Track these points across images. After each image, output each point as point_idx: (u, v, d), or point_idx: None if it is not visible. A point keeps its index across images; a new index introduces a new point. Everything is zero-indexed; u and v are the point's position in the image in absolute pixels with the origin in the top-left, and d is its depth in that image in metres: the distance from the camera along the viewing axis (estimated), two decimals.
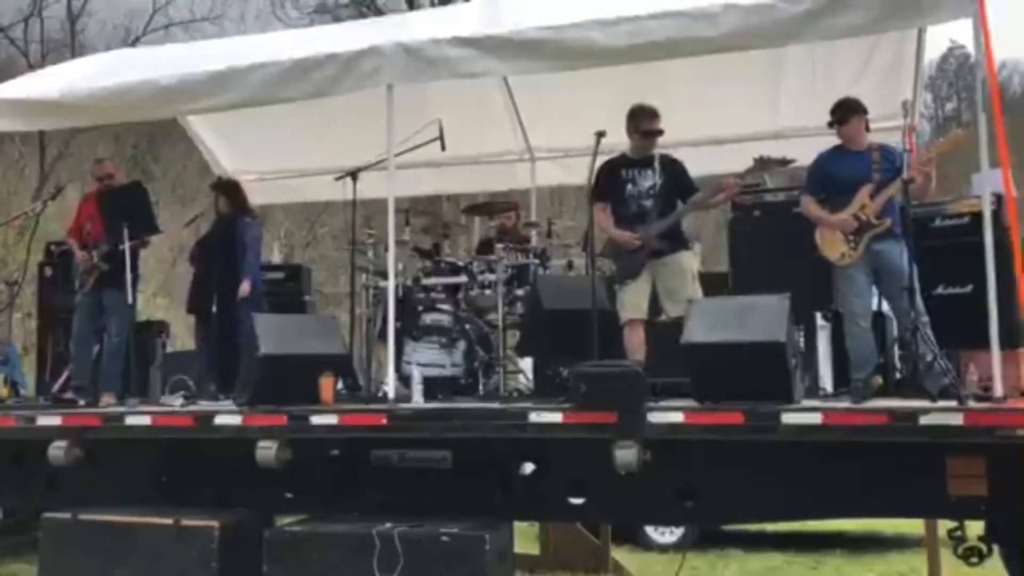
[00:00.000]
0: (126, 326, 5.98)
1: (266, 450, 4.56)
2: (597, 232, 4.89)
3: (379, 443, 4.57)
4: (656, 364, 4.81)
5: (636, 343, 5.00)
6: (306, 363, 4.82)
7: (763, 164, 4.95)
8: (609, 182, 5.21)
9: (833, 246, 4.83)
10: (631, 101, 5.31)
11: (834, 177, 4.90)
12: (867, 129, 4.94)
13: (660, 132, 5.17)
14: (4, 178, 16.08)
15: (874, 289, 4.89)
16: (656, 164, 5.18)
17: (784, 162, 4.97)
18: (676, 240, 5.15)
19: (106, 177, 6.26)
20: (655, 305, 5.15)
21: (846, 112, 4.91)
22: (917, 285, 4.57)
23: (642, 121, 5.15)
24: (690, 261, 5.17)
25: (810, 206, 5.00)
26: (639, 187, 5.18)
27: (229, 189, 6.57)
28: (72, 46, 19.59)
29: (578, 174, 5.88)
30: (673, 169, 5.22)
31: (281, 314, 6.15)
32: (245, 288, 6.05)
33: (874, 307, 4.97)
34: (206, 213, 6.99)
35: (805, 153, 5.19)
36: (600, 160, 4.88)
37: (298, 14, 20.67)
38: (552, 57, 4.74)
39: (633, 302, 5.07)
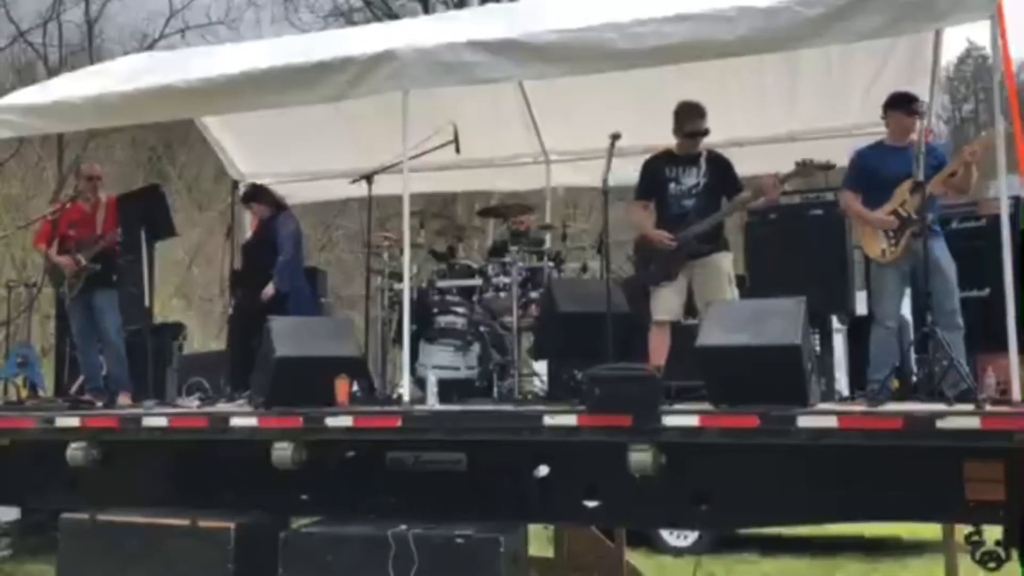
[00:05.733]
0: (119, 324, 6.01)
1: (282, 452, 4.58)
2: (631, 230, 4.84)
3: (394, 445, 4.58)
4: (673, 367, 4.81)
5: (660, 346, 4.98)
6: (321, 365, 4.83)
7: (805, 168, 4.92)
8: (652, 180, 5.18)
9: (873, 243, 4.80)
10: (646, 103, 5.31)
11: (877, 173, 4.86)
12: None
13: (705, 132, 5.12)
14: (23, 181, 16.20)
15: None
16: (702, 161, 5.13)
17: (827, 166, 4.95)
18: (715, 241, 5.09)
19: (95, 178, 6.17)
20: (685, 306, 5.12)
21: (917, 105, 4.83)
22: (956, 285, 4.58)
23: (686, 122, 5.11)
24: (728, 263, 5.13)
25: (851, 202, 4.97)
26: (682, 186, 5.13)
27: (257, 195, 6.59)
28: (90, 50, 19.73)
29: (593, 176, 5.88)
30: (719, 166, 5.17)
31: (297, 316, 6.17)
32: (268, 290, 6.09)
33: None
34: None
35: (820, 155, 5.16)
36: (618, 161, 4.85)
37: (312, 17, 20.77)
38: (568, 61, 4.74)
39: (667, 304, 5.04)
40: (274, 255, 6.22)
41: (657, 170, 5.19)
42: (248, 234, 7.09)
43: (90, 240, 5.96)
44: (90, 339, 6.13)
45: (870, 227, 4.83)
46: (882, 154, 4.92)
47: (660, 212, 5.17)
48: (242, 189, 7.30)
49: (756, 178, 5.19)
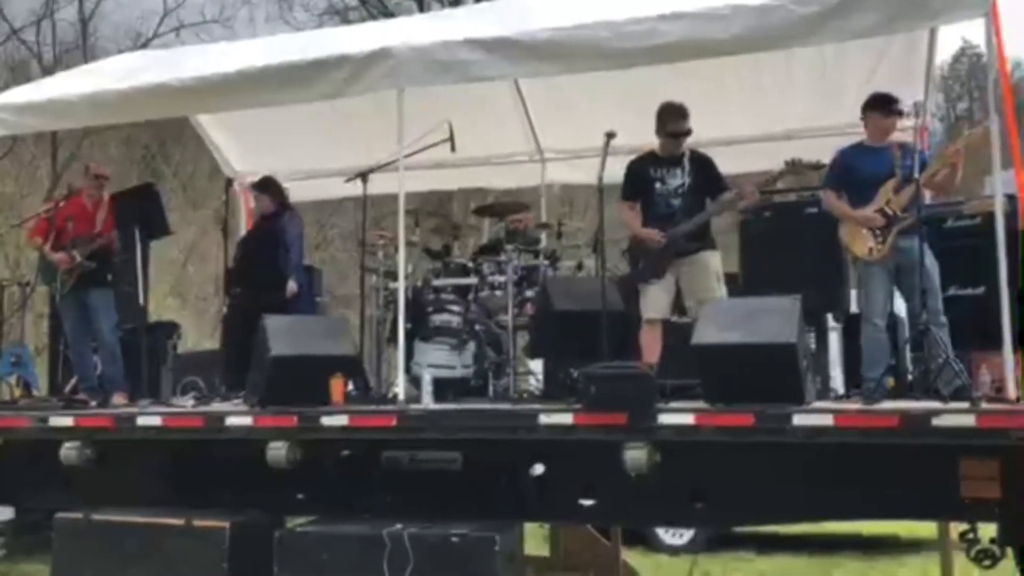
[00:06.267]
0: (114, 324, 5.98)
1: (277, 451, 4.58)
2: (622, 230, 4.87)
3: (389, 444, 4.57)
4: (667, 365, 4.81)
5: (652, 344, 4.99)
6: (317, 364, 4.83)
7: (794, 167, 4.95)
8: (638, 180, 5.21)
9: (860, 242, 4.82)
10: (641, 101, 5.31)
11: (858, 173, 4.88)
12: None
13: (688, 132, 5.16)
14: (17, 180, 16.18)
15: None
16: (685, 162, 5.17)
17: (816, 165, 4.98)
18: (702, 239, 5.13)
19: (102, 177, 6.20)
20: (674, 305, 5.14)
21: (896, 106, 4.87)
22: (938, 284, 4.57)
23: (669, 122, 5.15)
24: (716, 261, 5.15)
25: (833, 202, 4.99)
26: (668, 186, 5.17)
27: (269, 186, 6.57)
28: (84, 48, 19.69)
29: (588, 174, 5.87)
30: (703, 166, 5.20)
31: (292, 315, 6.16)
32: (292, 287, 6.06)
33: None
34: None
35: (815, 154, 5.17)
36: (613, 160, 4.86)
37: (307, 16, 20.78)
38: (563, 59, 4.74)
39: (656, 302, 5.06)
40: (274, 251, 6.20)
41: (642, 171, 5.22)
42: (243, 232, 7.07)
43: (86, 237, 5.94)
44: (83, 337, 6.10)
45: (857, 225, 4.85)
46: (860, 154, 4.96)
47: (647, 212, 5.20)
48: (236, 185, 7.30)
49: (741, 177, 5.21)
